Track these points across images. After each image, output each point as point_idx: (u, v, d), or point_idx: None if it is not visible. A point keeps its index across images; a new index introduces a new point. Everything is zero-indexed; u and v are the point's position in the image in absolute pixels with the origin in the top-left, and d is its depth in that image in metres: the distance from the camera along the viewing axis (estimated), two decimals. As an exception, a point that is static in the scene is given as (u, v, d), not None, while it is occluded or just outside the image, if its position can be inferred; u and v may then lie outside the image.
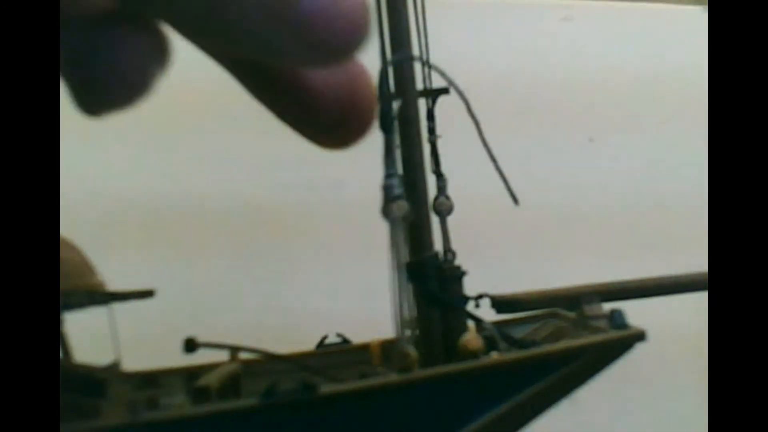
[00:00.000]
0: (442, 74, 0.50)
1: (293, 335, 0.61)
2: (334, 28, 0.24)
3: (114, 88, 0.25)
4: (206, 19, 0.24)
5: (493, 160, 0.52)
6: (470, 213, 0.60)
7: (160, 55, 0.26)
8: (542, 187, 0.96)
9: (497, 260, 0.89)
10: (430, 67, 0.58)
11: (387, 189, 0.39)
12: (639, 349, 0.55)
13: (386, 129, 0.32)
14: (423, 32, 0.59)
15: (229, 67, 0.28)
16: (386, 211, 0.40)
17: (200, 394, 0.50)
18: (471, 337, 0.55)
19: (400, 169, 0.52)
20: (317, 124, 0.27)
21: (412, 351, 0.47)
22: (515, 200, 0.55)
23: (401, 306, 0.40)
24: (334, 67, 0.26)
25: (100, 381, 0.48)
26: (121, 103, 0.26)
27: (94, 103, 0.26)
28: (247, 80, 0.28)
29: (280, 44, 0.24)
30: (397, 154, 0.56)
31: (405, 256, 0.57)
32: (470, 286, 0.58)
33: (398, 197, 0.40)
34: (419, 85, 0.59)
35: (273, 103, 0.28)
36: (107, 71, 0.25)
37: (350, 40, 0.25)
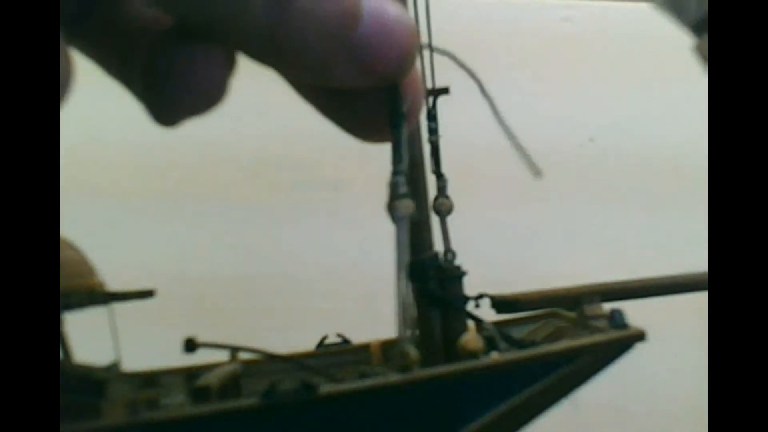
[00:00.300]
0: (454, 58, 0.50)
1: (293, 335, 0.61)
2: (387, 55, 0.25)
3: (188, 98, 0.26)
4: (269, 46, 0.24)
5: (511, 135, 0.52)
6: (470, 212, 0.60)
7: (228, 61, 0.26)
8: (542, 187, 0.96)
9: (497, 260, 0.89)
10: (429, 55, 0.57)
11: (393, 186, 0.39)
12: (639, 349, 0.55)
13: (395, 124, 0.32)
14: (427, 32, 0.59)
15: (289, 81, 0.29)
16: (392, 210, 0.40)
17: (200, 394, 0.50)
18: (471, 337, 0.55)
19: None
20: (369, 124, 0.28)
21: (412, 351, 0.47)
22: (537, 171, 0.54)
23: (404, 305, 0.40)
24: (384, 86, 0.27)
25: (100, 381, 0.48)
26: (196, 111, 0.26)
27: (169, 114, 0.26)
28: (308, 94, 0.29)
29: (336, 68, 0.25)
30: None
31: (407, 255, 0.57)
32: (470, 286, 0.58)
33: (404, 195, 0.39)
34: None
35: (330, 110, 0.28)
36: (180, 82, 0.26)
37: (401, 65, 0.26)
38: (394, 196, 0.39)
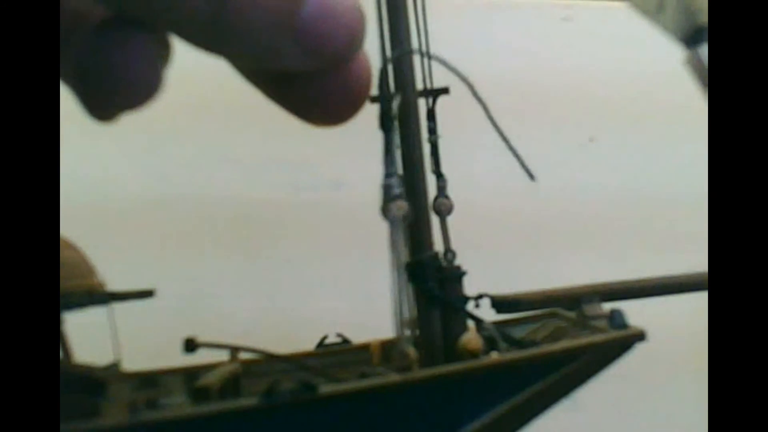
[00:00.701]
0: (444, 63, 0.50)
1: (293, 335, 0.61)
2: (334, 35, 0.25)
3: (122, 91, 0.26)
4: (212, 32, 0.24)
5: (505, 140, 0.52)
6: (470, 213, 0.60)
7: (162, 53, 0.26)
8: (542, 187, 0.96)
9: (497, 260, 0.89)
10: (430, 59, 0.57)
11: (386, 189, 0.39)
12: (639, 349, 0.55)
13: (386, 128, 0.32)
14: (423, 32, 0.59)
15: (237, 67, 0.28)
16: (386, 211, 0.40)
17: (200, 394, 0.50)
18: (471, 337, 0.55)
19: (400, 169, 0.52)
20: (319, 108, 0.28)
21: (412, 351, 0.47)
22: (531, 176, 0.55)
23: (401, 306, 0.40)
24: (332, 69, 0.26)
25: (100, 381, 0.48)
26: (131, 104, 0.26)
27: (104, 109, 0.26)
28: (256, 80, 0.28)
29: (282, 52, 0.25)
30: (397, 153, 0.56)
31: (405, 256, 0.57)
32: (470, 286, 0.58)
33: (398, 197, 0.40)
34: (419, 85, 0.59)
35: (280, 95, 0.28)
36: (114, 76, 0.25)
37: (347, 46, 0.26)
38: (387, 198, 0.39)
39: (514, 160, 0.55)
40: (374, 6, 0.55)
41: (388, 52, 0.56)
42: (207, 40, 0.25)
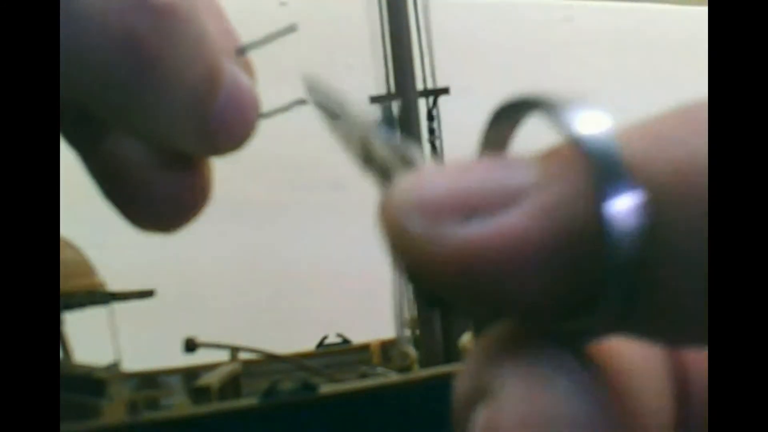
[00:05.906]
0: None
1: (293, 335, 0.61)
2: (235, 129, 0.25)
3: (160, 219, 0.27)
4: (133, 110, 0.24)
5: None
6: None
7: (202, 189, 0.27)
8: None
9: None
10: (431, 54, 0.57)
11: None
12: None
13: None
14: (425, 31, 0.59)
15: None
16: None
17: (200, 394, 0.50)
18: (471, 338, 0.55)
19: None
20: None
21: (411, 351, 0.47)
22: None
23: (401, 306, 0.40)
24: (221, 156, 0.27)
25: (100, 381, 0.48)
26: (171, 227, 0.27)
27: (146, 227, 0.27)
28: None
29: (185, 134, 0.25)
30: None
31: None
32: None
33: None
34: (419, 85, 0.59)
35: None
36: (153, 204, 0.26)
37: (244, 140, 0.26)
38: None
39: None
40: (377, 5, 0.55)
41: (388, 53, 0.56)
42: (124, 119, 0.25)
